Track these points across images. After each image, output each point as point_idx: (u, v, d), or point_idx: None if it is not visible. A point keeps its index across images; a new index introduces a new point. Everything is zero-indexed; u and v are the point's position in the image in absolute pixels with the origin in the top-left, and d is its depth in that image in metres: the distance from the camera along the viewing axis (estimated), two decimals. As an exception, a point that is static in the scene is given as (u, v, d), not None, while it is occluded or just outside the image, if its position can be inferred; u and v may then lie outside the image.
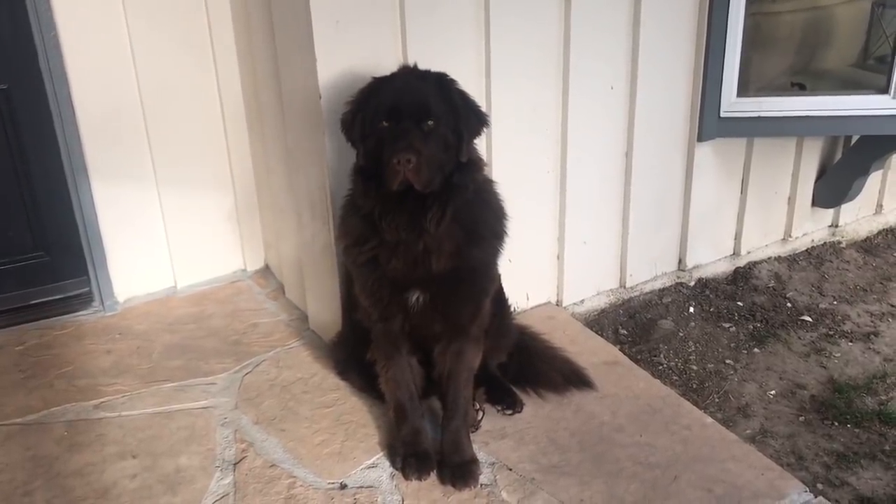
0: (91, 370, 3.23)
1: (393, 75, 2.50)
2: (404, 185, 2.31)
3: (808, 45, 4.16)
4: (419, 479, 2.59)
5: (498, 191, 2.66)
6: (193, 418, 2.93)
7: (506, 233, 2.62)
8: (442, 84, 2.45)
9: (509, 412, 2.90)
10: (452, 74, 2.50)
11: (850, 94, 3.79)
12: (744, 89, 3.71)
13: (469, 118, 2.46)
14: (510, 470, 2.65)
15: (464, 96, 2.49)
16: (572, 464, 2.68)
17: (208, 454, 2.74)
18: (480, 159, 2.56)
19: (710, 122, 3.73)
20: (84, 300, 3.67)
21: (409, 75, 2.49)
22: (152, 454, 2.75)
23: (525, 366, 3.05)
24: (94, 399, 3.04)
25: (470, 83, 2.71)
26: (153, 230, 3.69)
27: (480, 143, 3.03)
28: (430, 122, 2.35)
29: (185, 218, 3.72)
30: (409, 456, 2.63)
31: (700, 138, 3.76)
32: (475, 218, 2.51)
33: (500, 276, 2.82)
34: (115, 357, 3.32)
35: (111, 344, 3.42)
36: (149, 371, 3.22)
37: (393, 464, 2.67)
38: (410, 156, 2.26)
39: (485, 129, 2.54)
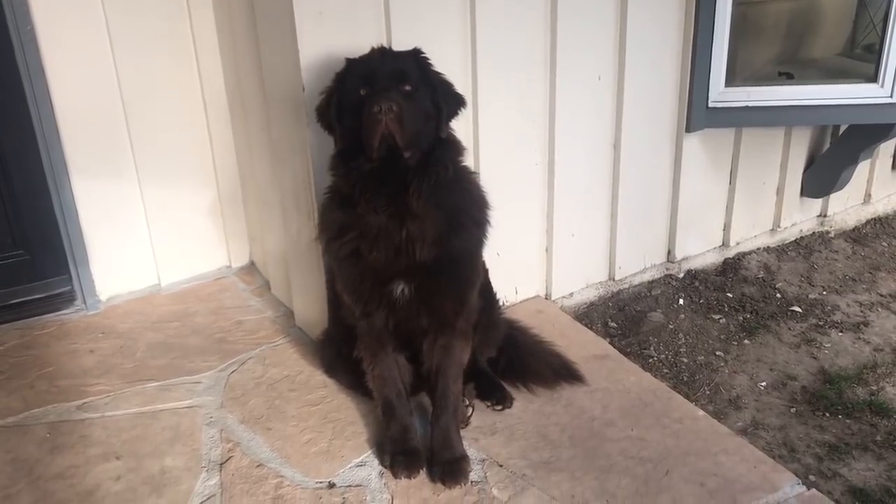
0: (73, 370, 3.17)
1: (366, 54, 2.47)
2: (386, 142, 2.27)
3: (796, 34, 4.14)
4: (408, 476, 2.55)
5: (478, 181, 2.62)
6: (178, 418, 2.88)
7: (488, 221, 2.58)
8: (418, 58, 2.46)
9: (499, 407, 2.87)
10: (438, 65, 2.48)
11: (838, 83, 3.76)
12: (732, 79, 3.68)
13: (446, 94, 2.46)
14: (501, 466, 2.62)
15: (440, 75, 2.49)
16: (563, 459, 2.65)
17: (194, 454, 2.69)
18: (459, 142, 2.54)
19: (698, 113, 3.70)
20: (66, 299, 3.60)
21: (383, 51, 2.48)
22: (137, 455, 2.70)
23: (514, 360, 3.02)
24: (77, 399, 2.99)
25: (456, 73, 2.68)
26: (136, 227, 3.63)
27: (467, 135, 3.01)
28: (408, 87, 2.35)
29: (168, 214, 3.66)
30: (397, 453, 2.59)
31: (688, 129, 3.74)
32: (456, 205, 2.48)
33: (487, 269, 2.78)
34: (97, 356, 3.27)
35: (94, 343, 3.37)
36: (132, 370, 3.17)
37: (381, 462, 2.63)
38: (392, 103, 2.24)
39: (462, 110, 2.52)
